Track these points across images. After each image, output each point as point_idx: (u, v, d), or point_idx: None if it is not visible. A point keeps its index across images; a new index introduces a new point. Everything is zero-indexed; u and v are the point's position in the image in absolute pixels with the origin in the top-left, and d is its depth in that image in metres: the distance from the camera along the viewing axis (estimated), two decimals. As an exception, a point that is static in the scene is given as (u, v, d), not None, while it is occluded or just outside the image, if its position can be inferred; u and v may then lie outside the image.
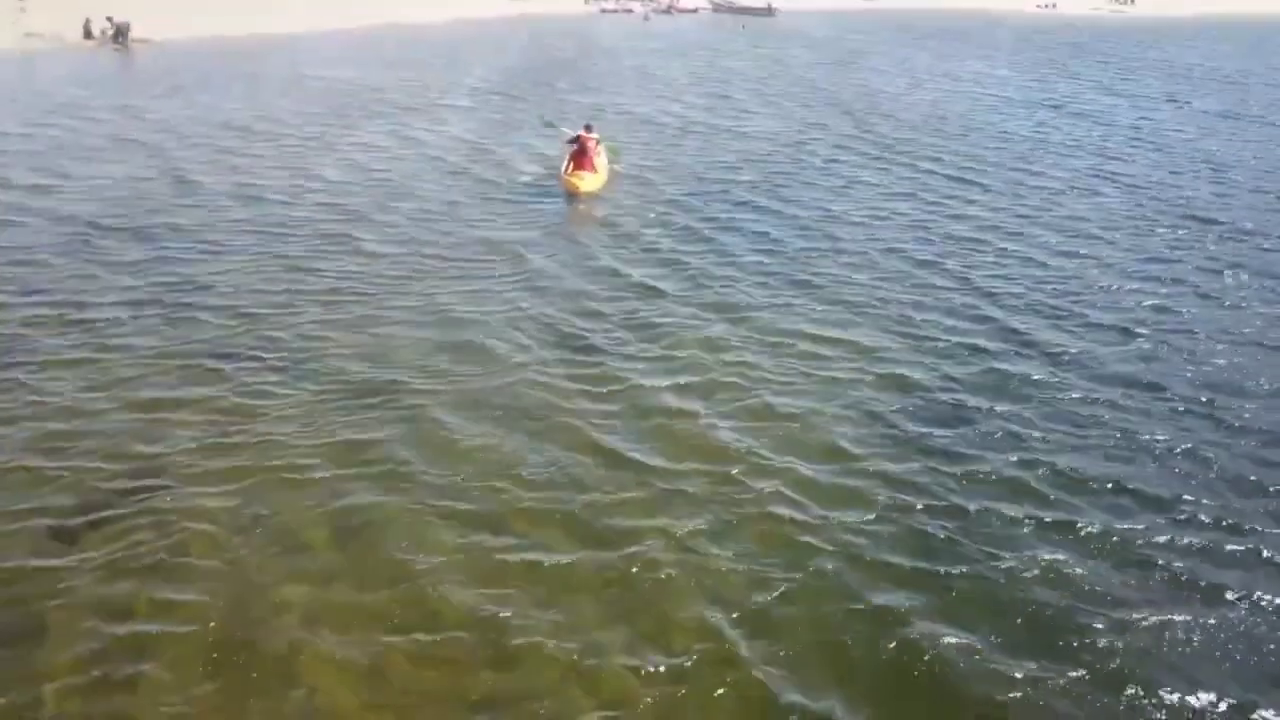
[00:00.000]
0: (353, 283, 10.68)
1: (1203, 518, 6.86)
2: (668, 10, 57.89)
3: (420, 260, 11.52)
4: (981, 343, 9.57)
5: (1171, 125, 23.45)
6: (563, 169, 15.68)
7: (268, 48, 32.55)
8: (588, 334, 9.52)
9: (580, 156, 15.46)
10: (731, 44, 41.71)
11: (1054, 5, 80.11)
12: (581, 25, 47.22)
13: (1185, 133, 22.35)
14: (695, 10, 59.13)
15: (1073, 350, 9.47)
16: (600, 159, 15.84)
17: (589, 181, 15.31)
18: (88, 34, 31.73)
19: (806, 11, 63.67)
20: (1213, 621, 5.83)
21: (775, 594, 5.91)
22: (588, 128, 16.02)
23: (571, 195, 15.13)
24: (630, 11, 55.34)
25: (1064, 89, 29.94)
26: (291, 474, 6.93)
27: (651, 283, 10.98)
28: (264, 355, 8.73)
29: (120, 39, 31.54)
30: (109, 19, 31.82)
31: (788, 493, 6.96)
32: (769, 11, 58.14)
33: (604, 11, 55.09)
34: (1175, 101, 27.52)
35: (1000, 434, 7.86)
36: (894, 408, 8.21)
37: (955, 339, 9.64)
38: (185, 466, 6.98)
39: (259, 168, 15.62)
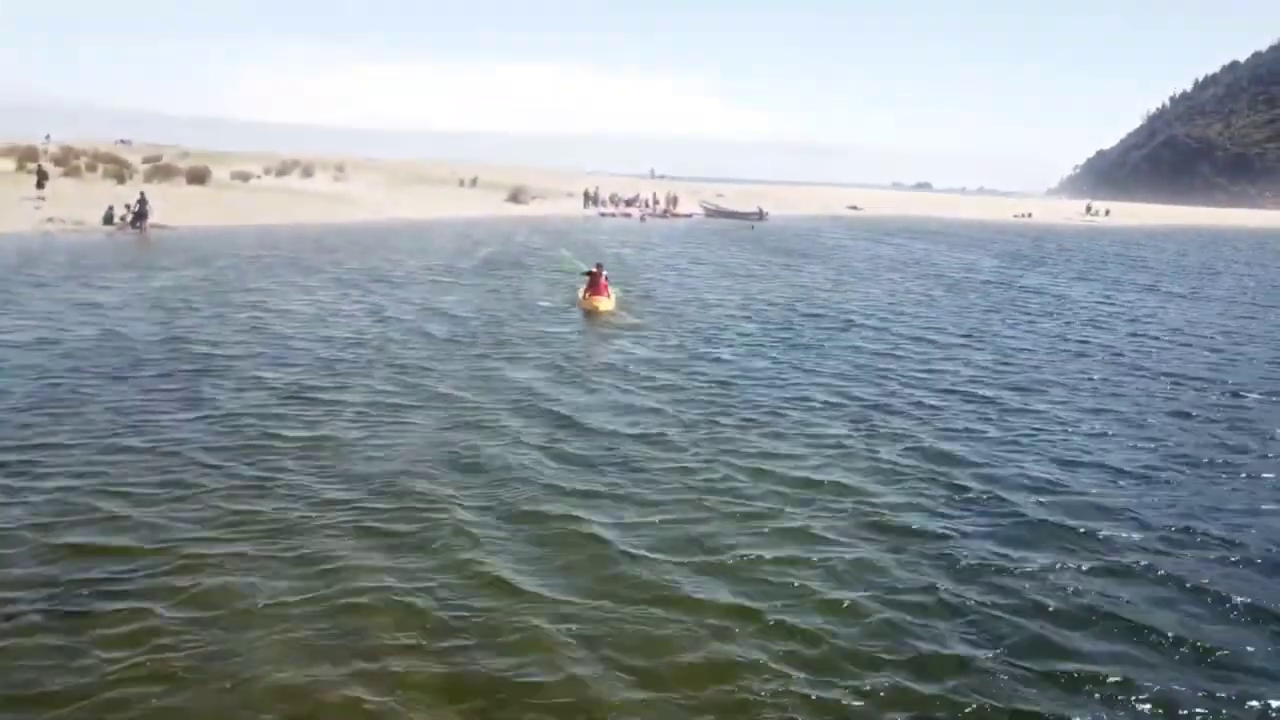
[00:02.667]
0: (356, 414, 9.98)
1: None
2: (664, 215, 61.26)
3: (423, 394, 10.93)
4: (994, 492, 8.52)
5: (1140, 303, 24.55)
6: (580, 297, 18.89)
7: (278, 236, 33.72)
8: (602, 462, 8.66)
9: (595, 285, 18.62)
10: (725, 238, 43.56)
11: (1029, 215, 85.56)
12: (581, 224, 49.55)
13: (1151, 308, 23.51)
14: (690, 215, 62.62)
15: (1085, 495, 8.55)
16: (611, 288, 18.91)
17: (605, 304, 18.29)
18: (108, 220, 32.91)
19: (795, 216, 67.60)
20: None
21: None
22: (599, 266, 19.43)
23: (591, 316, 17.84)
24: (629, 216, 58.44)
25: (1041, 276, 31.28)
26: (273, 610, 5.94)
27: (665, 416, 10.19)
28: (253, 480, 7.85)
29: (138, 223, 32.72)
30: (127, 205, 33.17)
31: (834, 635, 5.95)
32: (760, 216, 61.79)
33: (603, 215, 58.15)
34: (1143, 286, 29.34)
35: (1032, 580, 6.89)
36: (920, 555, 7.22)
37: (964, 486, 8.62)
38: (164, 591, 6.06)
39: (257, 325, 15.29)
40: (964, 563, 6.93)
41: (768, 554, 6.93)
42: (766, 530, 7.39)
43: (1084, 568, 6.95)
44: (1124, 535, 7.59)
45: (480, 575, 6.42)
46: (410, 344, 14.27)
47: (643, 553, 6.87)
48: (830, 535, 7.34)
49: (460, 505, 7.61)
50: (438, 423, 9.94)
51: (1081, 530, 7.63)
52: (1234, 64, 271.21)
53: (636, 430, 9.95)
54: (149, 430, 9.20)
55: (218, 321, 15.48)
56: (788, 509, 7.85)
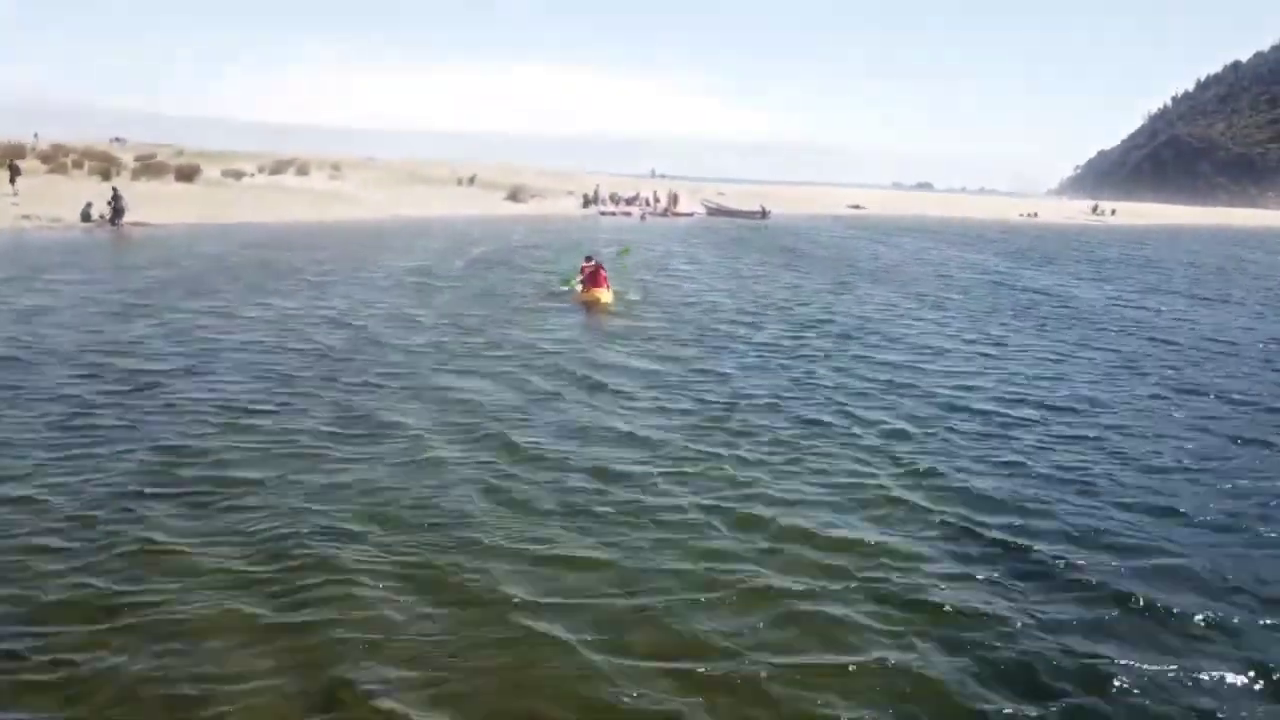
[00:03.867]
0: (299, 448, 8.56)
1: None
2: (664, 214, 60.03)
3: (383, 420, 9.56)
4: (1046, 550, 7.25)
5: (1166, 307, 23.15)
6: (579, 290, 18.72)
7: (266, 234, 32.51)
8: (573, 514, 7.30)
9: (593, 278, 18.59)
10: (726, 237, 42.37)
11: (1035, 215, 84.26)
12: (581, 223, 48.36)
13: (1180, 312, 22.24)
14: (691, 214, 61.41)
15: (1156, 552, 7.19)
16: (609, 280, 18.81)
17: (605, 295, 18.19)
18: (85, 217, 31.74)
19: (797, 215, 66.45)
20: None
21: None
22: (588, 258, 19.75)
23: (591, 308, 17.72)
24: (629, 214, 57.23)
25: (1056, 276, 30.23)
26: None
27: (656, 450, 8.83)
28: (141, 539, 6.63)
29: (116, 220, 31.55)
30: (108, 202, 31.98)
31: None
32: (763, 215, 60.67)
33: (603, 214, 56.93)
34: (1164, 290, 27.85)
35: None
36: (959, 643, 5.94)
37: (1008, 541, 7.31)
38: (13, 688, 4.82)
39: (210, 334, 13.84)
40: (1018, 653, 5.59)
41: (778, 660, 5.53)
42: (775, 615, 5.88)
43: (1157, 650, 5.62)
44: (1206, 608, 6.26)
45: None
46: (385, 355, 12.89)
47: (619, 661, 5.45)
48: (849, 617, 5.94)
49: (383, 578, 6.19)
50: (387, 458, 8.47)
51: (1153, 602, 6.25)
52: (1236, 64, 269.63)
53: (621, 470, 8.48)
54: (51, 468, 7.84)
55: (166, 330, 14.06)
56: (799, 579, 6.41)
